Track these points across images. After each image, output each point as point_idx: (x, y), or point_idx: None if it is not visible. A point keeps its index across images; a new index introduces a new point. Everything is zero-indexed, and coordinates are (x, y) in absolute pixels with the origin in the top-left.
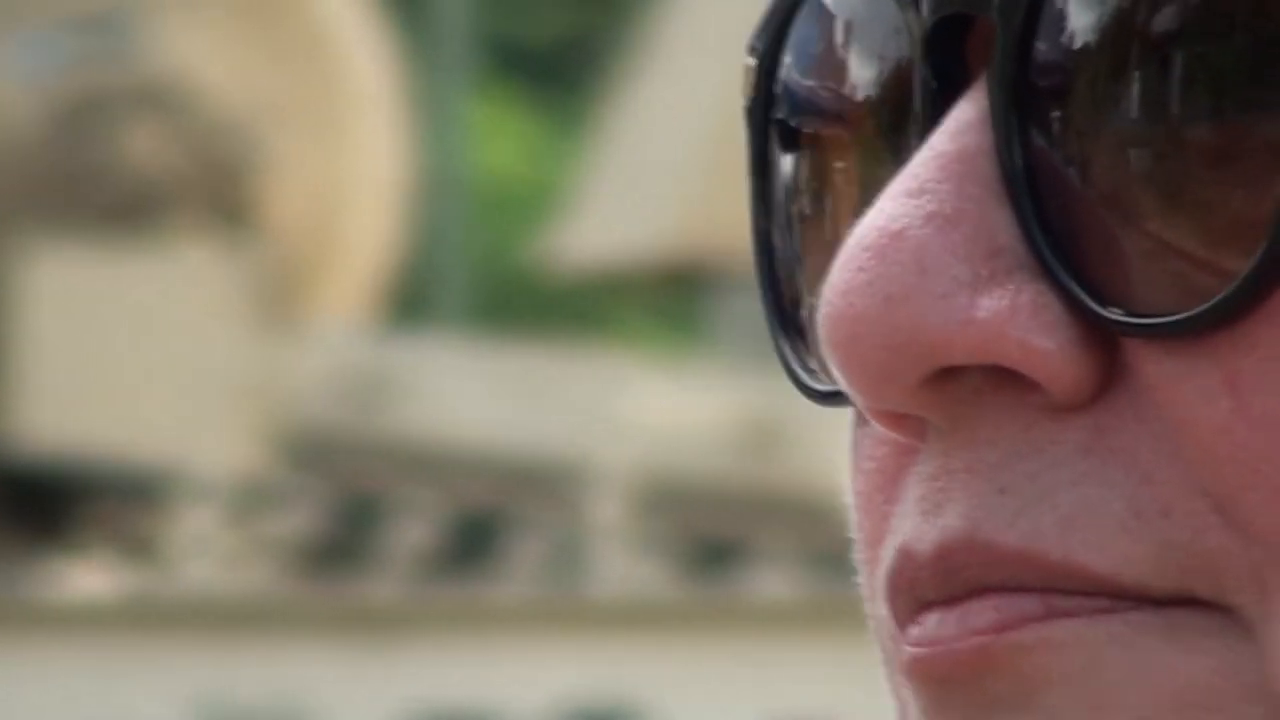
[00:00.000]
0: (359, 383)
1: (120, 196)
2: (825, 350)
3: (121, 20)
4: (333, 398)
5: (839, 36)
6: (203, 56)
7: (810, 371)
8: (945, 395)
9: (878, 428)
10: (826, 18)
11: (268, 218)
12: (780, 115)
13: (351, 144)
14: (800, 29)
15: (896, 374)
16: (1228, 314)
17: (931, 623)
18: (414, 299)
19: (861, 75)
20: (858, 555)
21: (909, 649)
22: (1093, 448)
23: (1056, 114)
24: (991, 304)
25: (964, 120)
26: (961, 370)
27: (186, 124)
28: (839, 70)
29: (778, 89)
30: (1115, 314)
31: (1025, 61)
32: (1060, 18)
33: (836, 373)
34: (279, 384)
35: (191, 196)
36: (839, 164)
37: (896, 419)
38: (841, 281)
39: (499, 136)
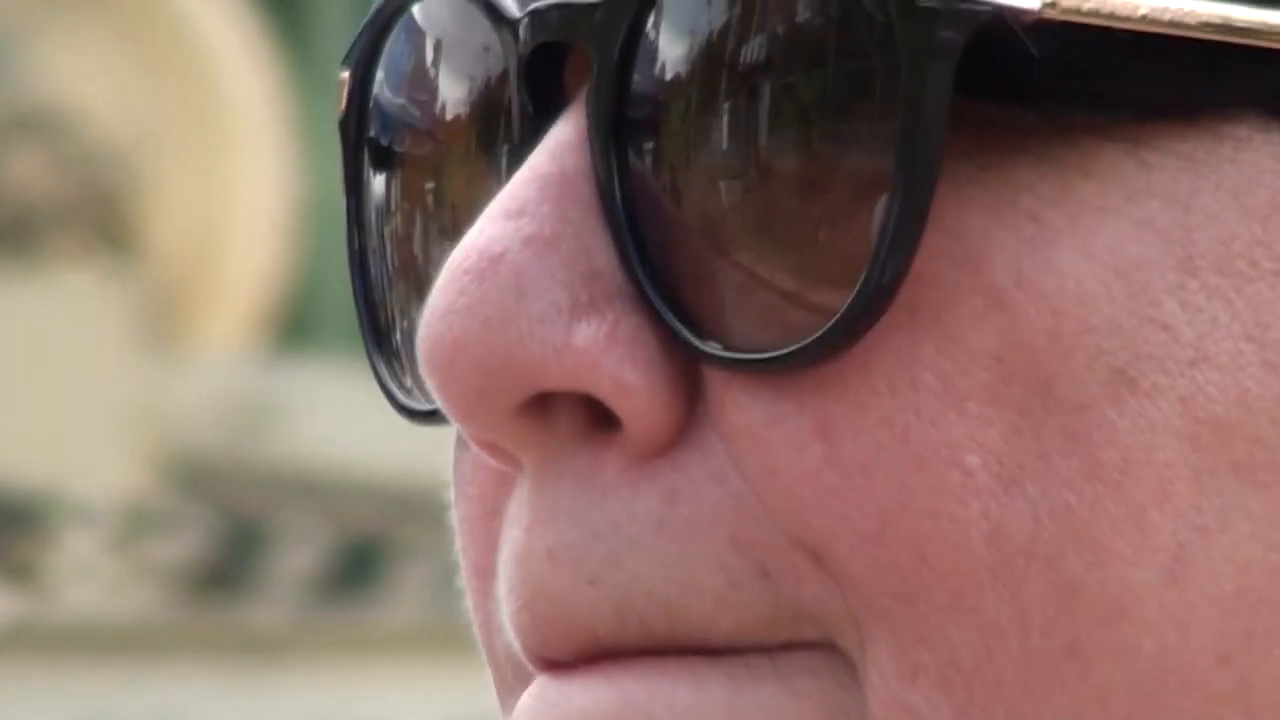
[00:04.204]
0: (243, 408)
1: (1, 222)
2: (424, 372)
3: (1, 47)
4: (217, 423)
5: (429, 55)
6: (84, 83)
7: (406, 390)
8: (538, 428)
9: (478, 452)
10: (418, 35)
11: (150, 243)
12: (372, 133)
13: (234, 169)
14: (393, 46)
15: (492, 398)
16: (820, 354)
17: (535, 692)
18: (298, 324)
19: (452, 94)
20: (466, 581)
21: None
22: (665, 520)
23: (651, 141)
24: (588, 332)
25: (563, 141)
26: (556, 404)
27: (68, 150)
28: (430, 89)
29: (370, 106)
30: (712, 348)
31: (621, 88)
32: (654, 48)
33: (435, 396)
34: (163, 409)
35: (74, 222)
36: (430, 183)
37: (495, 446)
38: (442, 304)
39: None
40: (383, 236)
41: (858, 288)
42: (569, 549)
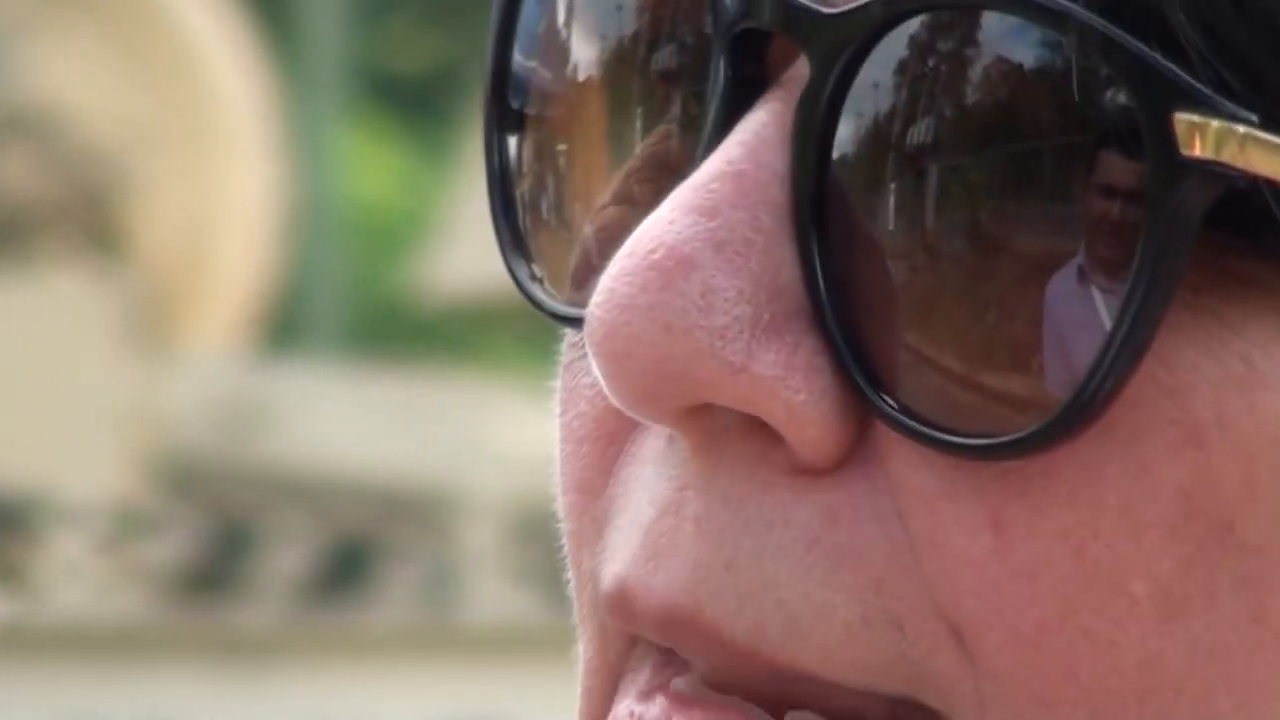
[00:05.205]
0: (232, 409)
1: None
2: (593, 354)
3: None
4: (206, 424)
5: (561, 17)
6: (73, 83)
7: (538, 280)
8: (701, 422)
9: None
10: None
11: (139, 244)
12: (516, 56)
13: (223, 171)
14: (527, 9)
15: (659, 400)
16: (1010, 455)
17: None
18: (287, 326)
19: (597, 22)
20: (561, 493)
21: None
22: (820, 539)
23: (861, 169)
24: (768, 358)
25: (761, 136)
26: (722, 407)
27: (57, 151)
28: (577, 20)
29: (515, 33)
30: (888, 405)
31: (836, 102)
32: (881, 74)
33: (599, 376)
34: (152, 410)
35: (62, 223)
36: (574, 99)
37: None
38: (624, 295)
39: (370, 164)
40: (522, 160)
41: (1066, 402)
42: (718, 527)
